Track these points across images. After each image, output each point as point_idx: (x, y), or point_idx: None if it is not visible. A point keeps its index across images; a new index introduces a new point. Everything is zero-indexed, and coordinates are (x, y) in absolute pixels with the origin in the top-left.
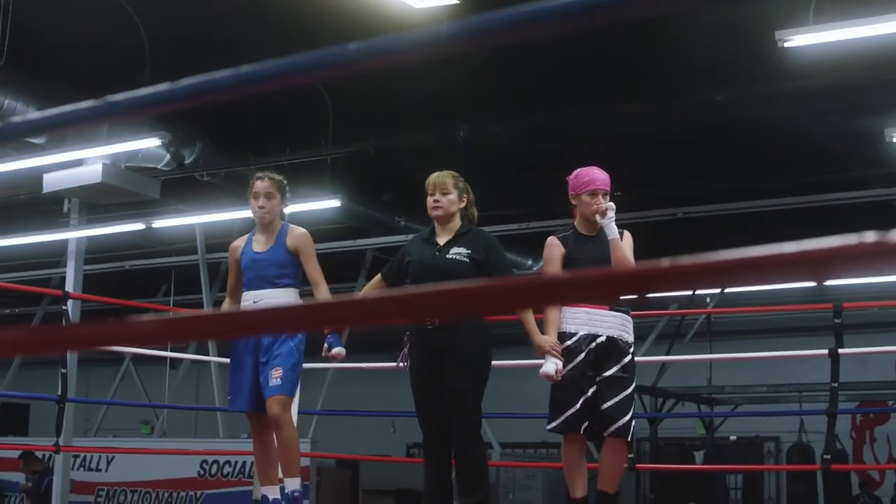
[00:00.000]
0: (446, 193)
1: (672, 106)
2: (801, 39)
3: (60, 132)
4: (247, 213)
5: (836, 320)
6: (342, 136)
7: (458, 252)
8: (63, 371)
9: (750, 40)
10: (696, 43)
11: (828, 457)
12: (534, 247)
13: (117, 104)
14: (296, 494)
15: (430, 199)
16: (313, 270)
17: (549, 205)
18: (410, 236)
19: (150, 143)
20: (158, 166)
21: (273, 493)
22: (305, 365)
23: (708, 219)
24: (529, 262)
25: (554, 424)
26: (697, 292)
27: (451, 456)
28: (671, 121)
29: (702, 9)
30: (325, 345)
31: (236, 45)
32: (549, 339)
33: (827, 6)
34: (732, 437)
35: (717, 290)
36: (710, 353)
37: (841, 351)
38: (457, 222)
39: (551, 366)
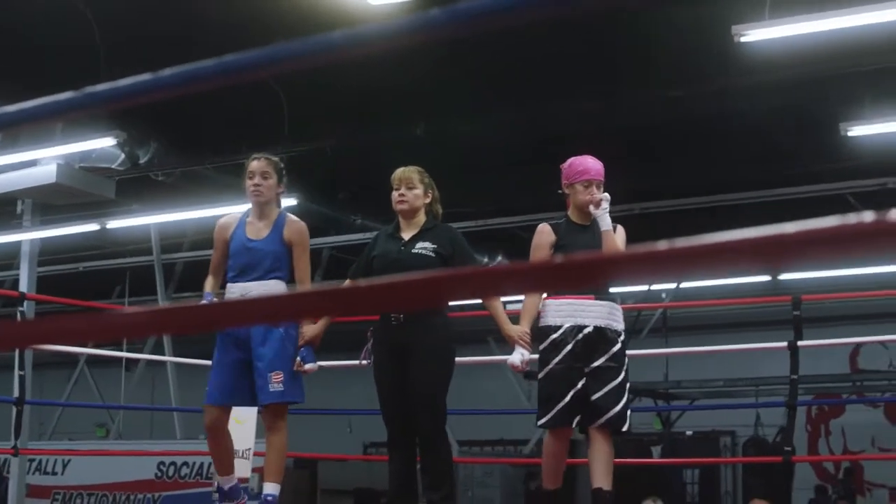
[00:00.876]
0: (412, 188)
1: (629, 101)
2: (758, 34)
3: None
4: (202, 213)
5: (795, 312)
6: (298, 135)
7: (424, 247)
8: (21, 373)
9: (707, 36)
10: (654, 38)
11: (789, 448)
12: (495, 244)
13: (61, 103)
14: (269, 499)
15: (395, 194)
16: (303, 269)
17: (509, 202)
18: (370, 234)
19: (104, 142)
20: (113, 166)
21: (229, 481)
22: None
23: (665, 214)
24: (486, 260)
25: (544, 420)
26: (653, 287)
27: (416, 452)
28: (629, 116)
29: (650, 7)
30: (298, 358)
31: (193, 44)
32: (518, 329)
33: (783, 1)
34: (689, 432)
35: (673, 285)
36: (667, 347)
37: (800, 343)
38: (422, 217)
39: (517, 356)
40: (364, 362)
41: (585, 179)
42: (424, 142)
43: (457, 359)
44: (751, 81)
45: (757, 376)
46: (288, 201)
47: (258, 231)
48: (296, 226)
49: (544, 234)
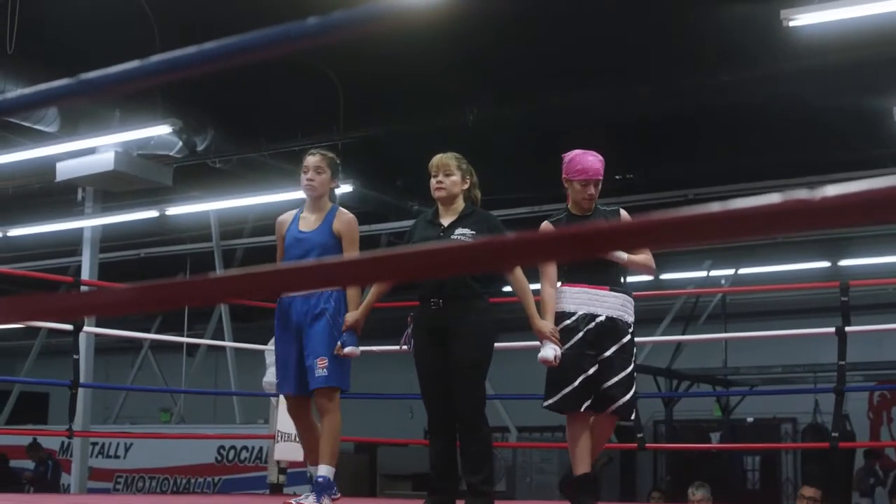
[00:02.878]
0: (449, 175)
1: (679, 87)
2: (807, 18)
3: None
4: (261, 199)
5: (843, 298)
6: (353, 122)
7: (463, 233)
8: (75, 357)
9: (756, 20)
10: (703, 23)
11: (835, 435)
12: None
13: (90, 81)
14: (319, 479)
15: (433, 181)
16: None
17: (560, 188)
18: None
19: (161, 130)
20: (171, 153)
21: (318, 471)
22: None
23: (717, 200)
24: None
25: (550, 402)
26: (712, 273)
27: (457, 435)
28: (678, 102)
29: None
30: (339, 342)
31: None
32: (549, 325)
33: None
34: (749, 419)
35: (732, 271)
36: (725, 333)
37: (848, 329)
38: (460, 204)
39: (550, 351)
40: (405, 347)
41: (583, 179)
42: (476, 127)
43: (510, 343)
44: (800, 66)
45: (815, 362)
46: (344, 188)
47: (310, 224)
48: (345, 217)
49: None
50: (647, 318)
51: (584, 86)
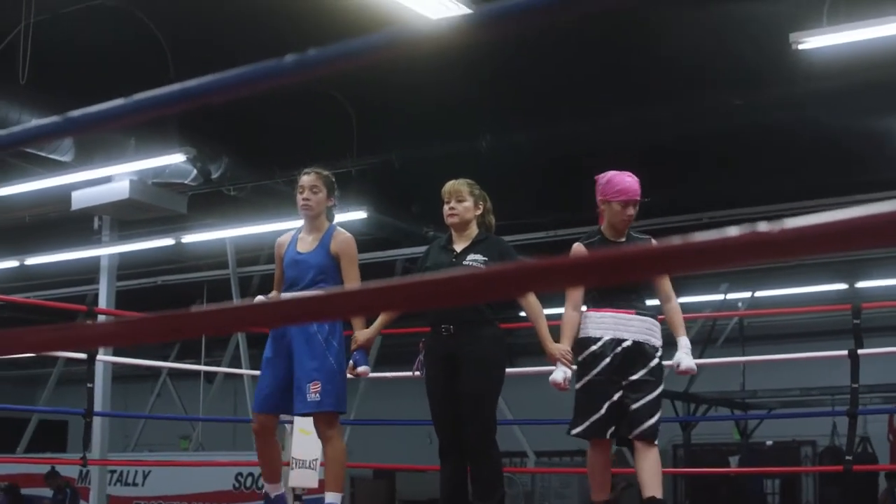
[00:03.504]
0: (462, 201)
1: (691, 111)
2: (816, 41)
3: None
4: (276, 226)
5: (855, 321)
6: (367, 148)
7: (475, 259)
8: (89, 386)
9: (764, 44)
10: (712, 47)
11: (849, 458)
12: (562, 255)
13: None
14: None
15: (445, 207)
16: (351, 279)
17: (575, 212)
18: None
19: (176, 158)
20: (186, 181)
21: (276, 490)
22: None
23: (730, 223)
24: None
25: (578, 430)
26: (729, 296)
27: (467, 461)
28: (691, 126)
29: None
30: (351, 362)
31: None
32: (560, 347)
33: (841, 7)
34: (769, 442)
35: (749, 294)
36: (743, 357)
37: (860, 351)
38: (473, 230)
39: (560, 374)
40: (416, 373)
41: (623, 199)
42: (489, 153)
43: (527, 369)
44: (809, 88)
45: (832, 385)
46: (358, 214)
47: (307, 245)
48: (341, 237)
49: (578, 254)
50: (664, 342)
51: (597, 111)
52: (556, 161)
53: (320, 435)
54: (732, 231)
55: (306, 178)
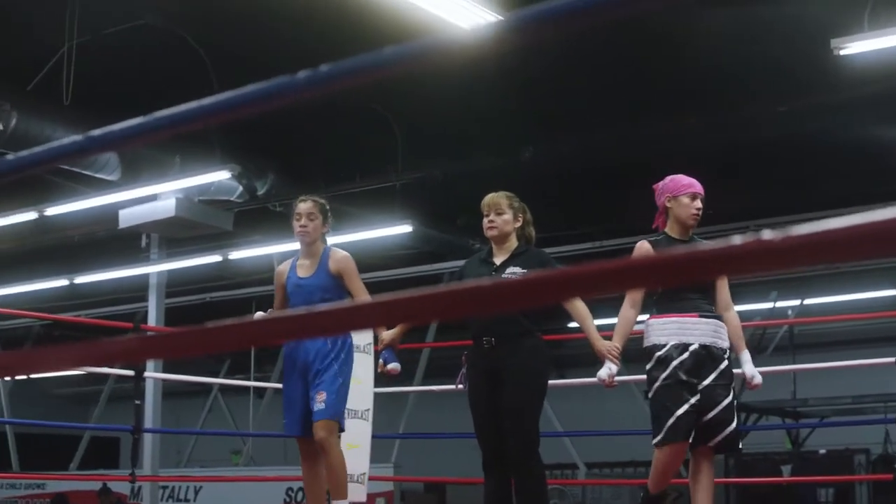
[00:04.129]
0: (501, 213)
1: (733, 118)
2: (857, 46)
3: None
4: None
5: None
6: (411, 162)
7: (514, 271)
8: (137, 403)
9: (805, 50)
10: (753, 54)
11: None
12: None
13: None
14: None
15: (485, 220)
16: (359, 293)
17: (621, 222)
18: None
19: (220, 175)
20: (232, 198)
21: None
22: (386, 389)
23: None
24: None
25: (659, 438)
26: (778, 304)
27: (511, 474)
28: (731, 133)
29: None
30: (381, 360)
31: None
32: (608, 344)
33: (882, 12)
34: (822, 451)
35: (798, 302)
36: (793, 365)
37: None
38: (513, 242)
39: (605, 370)
40: (459, 386)
41: (692, 192)
42: (531, 164)
43: (580, 381)
44: (852, 94)
45: (886, 392)
46: (402, 228)
47: (307, 269)
48: (338, 255)
49: (643, 251)
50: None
51: (638, 120)
52: (599, 171)
53: (319, 442)
54: (801, 230)
55: (303, 206)
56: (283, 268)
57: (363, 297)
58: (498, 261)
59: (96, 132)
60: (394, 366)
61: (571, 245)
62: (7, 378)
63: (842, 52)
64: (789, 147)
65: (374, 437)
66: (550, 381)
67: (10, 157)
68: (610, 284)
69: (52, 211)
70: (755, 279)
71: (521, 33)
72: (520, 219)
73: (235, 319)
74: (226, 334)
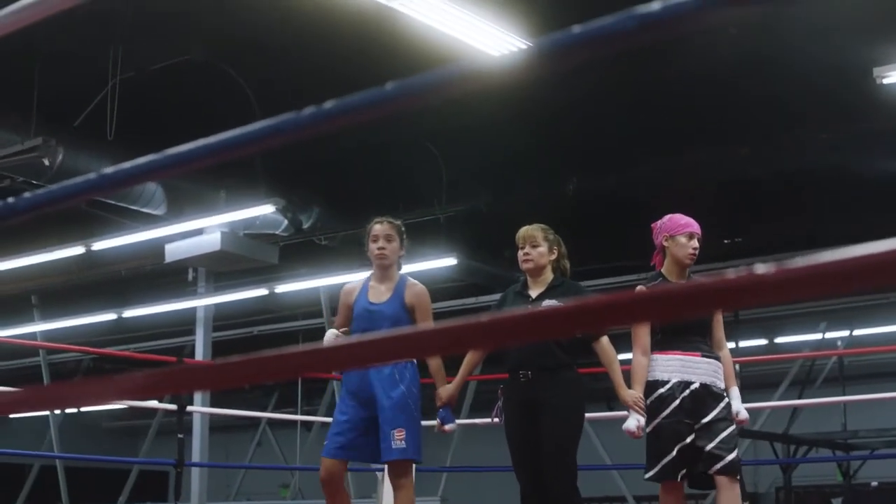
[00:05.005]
0: (536, 246)
1: (778, 147)
2: None
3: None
4: (368, 274)
5: None
6: (456, 195)
7: (551, 304)
8: (179, 436)
9: (848, 79)
10: (796, 83)
11: None
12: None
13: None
14: None
15: (520, 253)
16: None
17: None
18: None
19: (265, 209)
20: (277, 232)
21: None
22: (432, 423)
23: None
24: None
25: (651, 473)
26: (827, 335)
27: None
28: (779, 163)
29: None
30: (438, 420)
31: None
32: (633, 394)
33: None
34: (873, 483)
35: (847, 332)
36: (843, 396)
37: None
38: (549, 275)
39: (633, 422)
40: (495, 420)
41: (689, 231)
42: (576, 196)
43: (625, 413)
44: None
45: None
46: (447, 260)
47: (380, 295)
48: (416, 289)
49: None
50: (764, 383)
51: (683, 149)
52: (643, 203)
53: (394, 482)
54: (796, 263)
55: (380, 227)
56: (352, 287)
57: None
58: (534, 293)
59: (109, 170)
60: (452, 426)
61: (617, 277)
62: (57, 411)
63: (884, 81)
64: (829, 177)
65: (419, 470)
66: (598, 413)
67: (54, 186)
68: (636, 314)
69: (99, 245)
70: (804, 310)
71: (550, 59)
72: (555, 251)
73: (274, 350)
74: (262, 365)
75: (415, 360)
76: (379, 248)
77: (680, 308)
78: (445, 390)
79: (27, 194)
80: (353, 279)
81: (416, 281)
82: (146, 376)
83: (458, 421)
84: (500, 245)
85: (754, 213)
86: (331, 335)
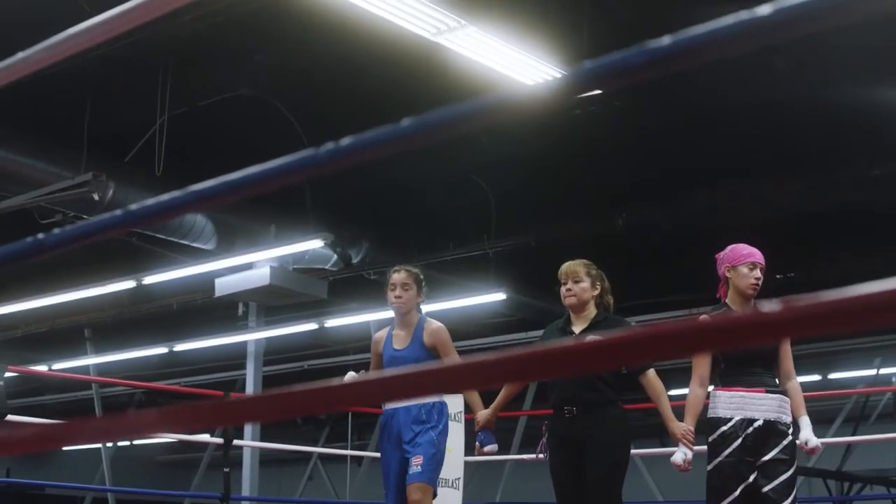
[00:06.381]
0: (578, 281)
1: (832, 181)
2: None
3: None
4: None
5: None
6: (505, 230)
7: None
8: (225, 470)
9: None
10: (851, 115)
11: None
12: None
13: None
14: None
15: (563, 289)
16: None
17: (715, 290)
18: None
19: (314, 244)
20: (326, 266)
21: None
22: (478, 458)
23: None
24: None
25: None
26: (882, 371)
27: None
28: (828, 196)
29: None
30: (477, 443)
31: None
32: (682, 427)
33: None
34: None
35: None
36: None
37: None
38: (592, 310)
39: (680, 455)
40: (541, 456)
41: (751, 262)
42: (625, 231)
43: (676, 449)
44: None
45: None
46: (496, 295)
47: (402, 340)
48: (432, 328)
49: None
50: (817, 419)
51: (734, 183)
52: (693, 237)
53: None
54: (864, 289)
55: (397, 276)
56: (380, 336)
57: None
58: (577, 329)
59: (134, 206)
60: (491, 447)
61: (665, 312)
62: (109, 444)
63: None
64: (882, 212)
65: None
66: (649, 450)
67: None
68: (684, 346)
69: (150, 280)
70: (858, 345)
71: (583, 88)
72: (598, 286)
73: (313, 383)
74: (303, 398)
75: (445, 400)
76: (396, 297)
77: (733, 338)
78: (482, 415)
79: (57, 230)
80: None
81: (432, 320)
82: (190, 409)
83: (509, 456)
84: (549, 280)
85: (810, 247)
86: (350, 376)
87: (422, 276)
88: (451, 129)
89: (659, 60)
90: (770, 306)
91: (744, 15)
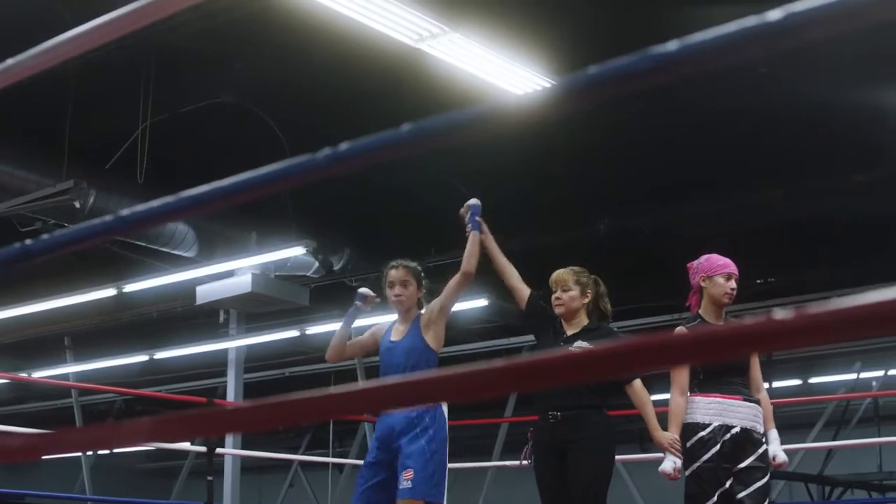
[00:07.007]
0: (567, 290)
1: (812, 188)
2: None
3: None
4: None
5: None
6: None
7: (580, 346)
8: (209, 478)
9: (887, 119)
10: (833, 123)
11: None
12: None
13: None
14: None
15: (553, 297)
16: (445, 295)
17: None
18: None
19: (296, 251)
20: (308, 274)
21: None
22: (465, 465)
23: None
24: None
25: None
26: (862, 375)
27: None
28: (813, 203)
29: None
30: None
31: None
32: (669, 436)
33: None
34: None
35: (882, 373)
36: (879, 438)
37: None
38: (583, 318)
39: (669, 464)
40: (525, 462)
41: (727, 272)
42: (609, 239)
43: (659, 455)
44: None
45: None
46: (478, 302)
47: (399, 333)
48: (425, 311)
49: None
50: (798, 423)
51: (717, 191)
52: (677, 243)
53: None
54: (842, 302)
55: (395, 273)
56: (383, 326)
57: (449, 292)
58: (568, 332)
59: (125, 212)
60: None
61: (653, 317)
62: (89, 452)
63: None
64: (869, 218)
65: None
66: (631, 455)
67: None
68: (669, 358)
69: (131, 287)
70: (838, 350)
71: (574, 98)
72: (588, 294)
73: (303, 393)
74: (292, 408)
75: (442, 406)
76: (396, 295)
77: (719, 350)
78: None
79: (45, 236)
80: (383, 320)
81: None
82: (177, 419)
83: (491, 463)
84: (530, 286)
85: (789, 255)
86: (364, 291)
87: (421, 270)
88: (452, 136)
89: (663, 66)
90: (755, 318)
91: (732, 26)
